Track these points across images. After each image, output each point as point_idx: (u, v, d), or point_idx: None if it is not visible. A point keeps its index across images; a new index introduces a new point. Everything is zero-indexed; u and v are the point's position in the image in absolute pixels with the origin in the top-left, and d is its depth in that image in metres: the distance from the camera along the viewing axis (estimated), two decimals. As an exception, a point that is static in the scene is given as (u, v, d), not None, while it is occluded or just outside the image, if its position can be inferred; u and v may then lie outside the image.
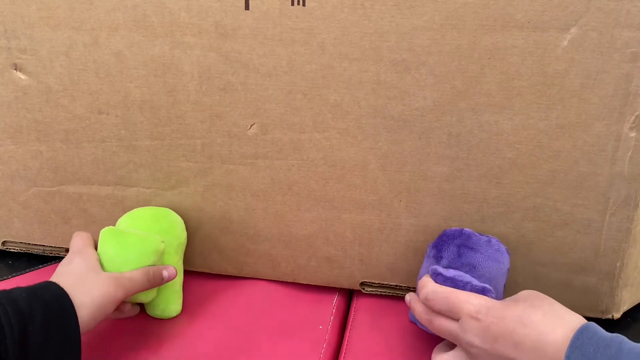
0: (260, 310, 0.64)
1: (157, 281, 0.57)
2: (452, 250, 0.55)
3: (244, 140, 0.60)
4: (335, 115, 0.57)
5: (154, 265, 0.57)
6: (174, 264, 0.61)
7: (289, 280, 0.67)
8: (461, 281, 0.51)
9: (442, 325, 0.51)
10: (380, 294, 0.65)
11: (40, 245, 0.71)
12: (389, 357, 0.57)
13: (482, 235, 0.56)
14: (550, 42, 0.51)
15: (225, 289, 0.66)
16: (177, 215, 0.63)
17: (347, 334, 0.61)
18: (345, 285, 0.66)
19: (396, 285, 0.64)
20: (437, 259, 0.55)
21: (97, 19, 0.57)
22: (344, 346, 0.59)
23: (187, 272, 0.68)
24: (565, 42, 0.51)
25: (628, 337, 0.58)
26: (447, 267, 0.54)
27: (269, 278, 0.67)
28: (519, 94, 0.53)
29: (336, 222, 0.62)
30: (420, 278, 0.56)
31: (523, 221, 0.58)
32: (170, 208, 0.64)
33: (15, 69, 0.61)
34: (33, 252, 0.71)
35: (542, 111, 0.53)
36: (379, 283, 0.65)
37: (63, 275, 0.53)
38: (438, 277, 0.52)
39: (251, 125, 0.59)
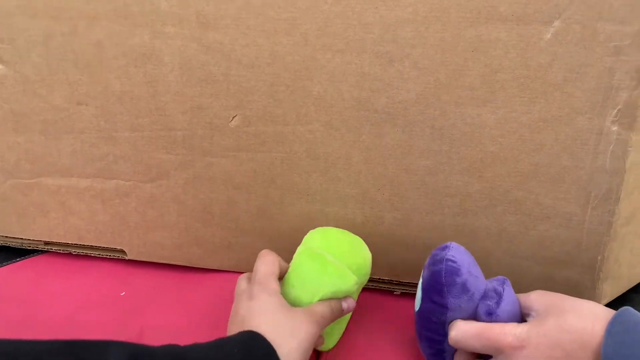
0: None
1: (337, 315, 0.52)
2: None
3: (225, 132, 0.59)
4: (318, 108, 0.57)
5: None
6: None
7: (271, 274, 0.67)
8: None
9: None
10: (363, 287, 0.65)
11: (18, 238, 0.69)
12: (371, 350, 0.57)
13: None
14: (533, 35, 0.51)
15: (206, 283, 0.66)
16: (369, 251, 0.58)
17: (329, 327, 0.60)
18: (328, 278, 0.65)
19: (378, 279, 0.64)
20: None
21: (76, 8, 0.56)
22: (326, 340, 0.59)
23: (166, 265, 0.67)
24: (549, 35, 0.50)
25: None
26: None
27: (251, 271, 0.67)
28: (502, 87, 0.53)
29: (319, 216, 0.62)
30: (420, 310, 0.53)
31: (505, 215, 0.58)
32: (150, 201, 0.63)
33: (-8, 59, 0.60)
34: (11, 245, 0.70)
35: (525, 104, 0.53)
36: (361, 276, 0.64)
37: (252, 318, 0.46)
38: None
39: (233, 117, 0.58)
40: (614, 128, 0.52)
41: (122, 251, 0.68)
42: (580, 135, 0.53)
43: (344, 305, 0.53)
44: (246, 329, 0.45)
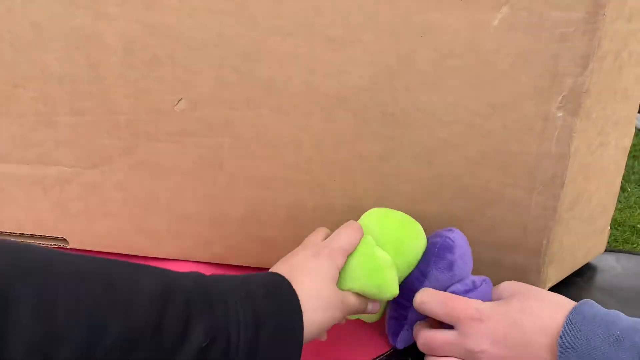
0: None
1: (360, 310, 0.51)
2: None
3: (171, 116, 0.57)
4: (267, 92, 0.55)
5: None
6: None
7: (221, 262, 0.65)
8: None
9: (437, 337, 0.49)
10: (314, 275, 0.65)
11: (-46, 227, 0.66)
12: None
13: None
14: (482, 20, 0.51)
15: (153, 272, 0.64)
16: (424, 240, 0.55)
17: (279, 315, 0.60)
18: (278, 266, 0.65)
19: (329, 266, 0.64)
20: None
21: (11, -15, 0.54)
22: (277, 328, 0.58)
23: (110, 254, 0.65)
24: (497, 22, 0.51)
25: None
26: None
27: (200, 260, 0.66)
28: (451, 73, 0.53)
29: (269, 202, 0.61)
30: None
31: (454, 200, 0.58)
32: (93, 188, 0.61)
33: None
34: (-55, 235, 0.67)
35: (474, 90, 0.53)
36: (312, 263, 0.64)
37: (301, 272, 0.46)
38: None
39: (179, 101, 0.57)
40: (559, 114, 0.53)
41: (64, 240, 0.65)
42: (527, 121, 0.54)
43: (370, 307, 0.52)
44: (288, 277, 0.44)
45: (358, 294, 0.50)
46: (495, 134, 0.55)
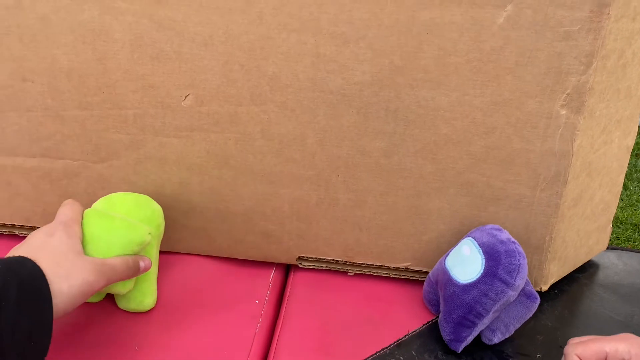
0: (195, 285, 0.63)
1: (135, 271, 0.53)
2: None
3: (178, 111, 0.58)
4: (273, 88, 0.56)
5: (133, 254, 0.53)
6: (153, 255, 0.58)
7: (225, 256, 0.66)
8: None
9: None
10: (317, 269, 0.65)
11: (-39, 219, 0.67)
12: (325, 330, 0.57)
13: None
14: (487, 18, 0.51)
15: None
16: (157, 204, 0.60)
17: (283, 308, 0.61)
18: (283, 259, 0.65)
19: (333, 260, 0.64)
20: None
21: (20, -20, 0.54)
22: (280, 320, 0.59)
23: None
24: (501, 20, 0.51)
25: (555, 309, 0.61)
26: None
27: (205, 253, 0.66)
28: (455, 70, 0.53)
29: (273, 197, 0.61)
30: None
31: (457, 196, 0.59)
32: (100, 182, 0.62)
33: None
34: (-47, 227, 0.68)
35: (478, 88, 0.54)
36: (316, 258, 0.64)
37: (41, 250, 0.47)
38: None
39: (186, 97, 0.57)
40: (563, 112, 0.54)
41: (71, 233, 0.66)
42: (531, 119, 0.54)
43: (142, 263, 0.54)
44: (30, 257, 0.45)
45: (120, 256, 0.51)
46: (499, 131, 0.55)
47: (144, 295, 0.58)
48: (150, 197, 0.60)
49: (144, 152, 0.60)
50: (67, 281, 0.45)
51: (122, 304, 0.58)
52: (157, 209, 0.59)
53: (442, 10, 0.51)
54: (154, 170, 0.61)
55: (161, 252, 0.66)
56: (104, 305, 0.59)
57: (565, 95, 0.53)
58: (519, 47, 0.52)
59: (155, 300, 0.59)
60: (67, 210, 0.52)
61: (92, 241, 0.51)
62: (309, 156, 0.59)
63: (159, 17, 0.54)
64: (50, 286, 0.44)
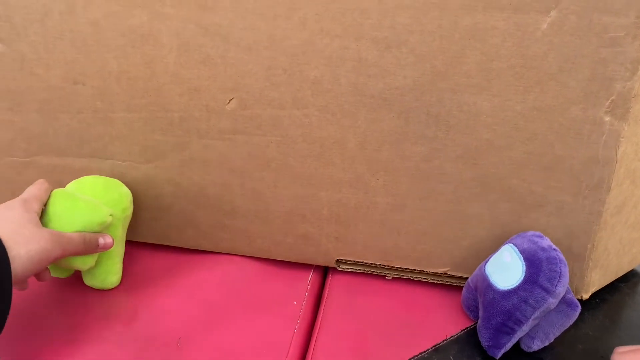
0: (235, 285, 0.64)
1: (92, 247, 0.56)
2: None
3: (222, 115, 0.59)
4: (315, 92, 0.57)
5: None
6: (118, 236, 0.61)
7: (264, 257, 0.67)
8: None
9: None
10: (355, 272, 0.66)
11: (12, 216, 0.69)
12: (362, 334, 0.58)
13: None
14: (530, 24, 0.51)
15: (199, 264, 0.66)
16: (127, 188, 0.63)
17: (321, 310, 0.61)
18: (321, 262, 0.66)
19: (371, 263, 0.65)
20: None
21: (74, -13, 0.56)
22: (318, 322, 0.59)
23: (160, 246, 0.67)
24: (545, 25, 0.51)
25: (596, 318, 0.60)
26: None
27: (245, 254, 0.67)
28: (498, 75, 0.53)
29: (313, 200, 0.62)
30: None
31: (498, 202, 0.58)
32: (145, 182, 0.64)
33: (-12, 36, 0.59)
34: (5, 224, 0.70)
35: (520, 93, 0.53)
36: (354, 261, 0.65)
37: (2, 223, 0.51)
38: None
39: (230, 100, 0.58)
40: (607, 118, 0.53)
41: (117, 231, 0.68)
42: (574, 125, 0.54)
43: (101, 240, 0.57)
44: None
45: (79, 232, 0.55)
46: (541, 137, 0.55)
47: (107, 273, 0.61)
48: (194, 198, 0.62)
49: (188, 154, 0.62)
50: (25, 247, 0.49)
51: (87, 281, 0.62)
52: (125, 192, 0.62)
53: (485, 15, 0.51)
54: (197, 172, 0.63)
55: (202, 252, 0.68)
56: (149, 302, 0.60)
57: (609, 101, 0.52)
58: (563, 53, 0.51)
59: (119, 279, 0.63)
60: (32, 188, 0.56)
61: (55, 219, 0.55)
62: (348, 160, 0.59)
63: (205, 22, 0.55)
64: (9, 252, 0.47)
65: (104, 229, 0.58)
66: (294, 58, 0.56)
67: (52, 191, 0.57)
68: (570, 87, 0.52)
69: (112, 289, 0.62)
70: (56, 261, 0.53)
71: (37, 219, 0.53)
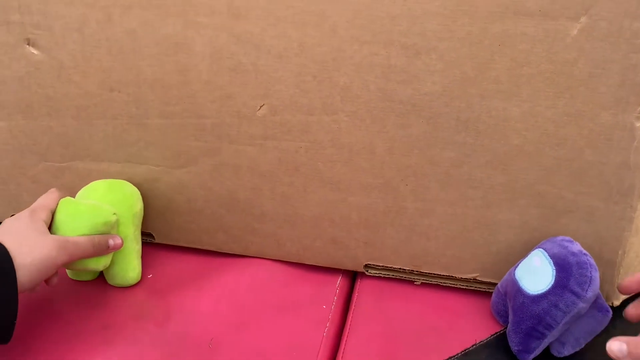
0: (265, 288, 0.65)
1: (102, 249, 0.58)
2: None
3: (253, 120, 0.60)
4: (344, 98, 0.58)
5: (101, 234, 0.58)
6: (130, 234, 0.63)
7: (293, 261, 0.68)
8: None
9: None
10: (384, 277, 0.66)
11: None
12: (391, 338, 0.58)
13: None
14: (560, 30, 0.51)
15: (230, 267, 0.67)
16: (133, 186, 0.65)
17: (350, 314, 0.62)
18: (350, 266, 0.67)
19: (400, 268, 0.65)
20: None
21: (111, -3, 0.58)
22: (347, 326, 0.60)
23: (191, 249, 0.69)
24: (575, 31, 0.51)
25: (627, 325, 0.60)
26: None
27: (274, 258, 0.68)
28: (527, 81, 0.53)
29: (342, 205, 0.63)
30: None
31: (527, 208, 0.58)
32: (178, 186, 0.65)
33: (28, 44, 0.61)
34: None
35: (550, 99, 0.54)
36: (382, 266, 0.65)
37: (7, 233, 0.52)
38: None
39: (261, 106, 0.60)
40: (638, 124, 0.53)
41: (151, 235, 0.70)
42: (604, 131, 0.54)
43: (111, 242, 0.58)
44: None
45: (86, 235, 0.56)
46: (571, 143, 0.55)
47: (125, 270, 0.63)
48: (225, 202, 0.63)
49: (219, 159, 0.63)
50: (30, 255, 0.50)
51: (110, 280, 0.64)
52: (130, 191, 0.65)
53: (515, 22, 0.51)
54: (228, 177, 0.64)
55: (233, 255, 0.69)
56: (181, 304, 0.61)
57: (641, 107, 0.52)
58: (593, 59, 0.51)
59: (139, 274, 0.65)
60: (41, 198, 0.58)
61: (61, 226, 0.57)
62: (377, 165, 0.60)
63: (237, 31, 0.57)
64: (14, 261, 0.49)
65: (112, 228, 0.59)
66: (323, 65, 0.56)
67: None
68: (600, 93, 0.52)
69: (135, 286, 0.64)
70: (65, 266, 0.56)
71: (44, 227, 0.54)
